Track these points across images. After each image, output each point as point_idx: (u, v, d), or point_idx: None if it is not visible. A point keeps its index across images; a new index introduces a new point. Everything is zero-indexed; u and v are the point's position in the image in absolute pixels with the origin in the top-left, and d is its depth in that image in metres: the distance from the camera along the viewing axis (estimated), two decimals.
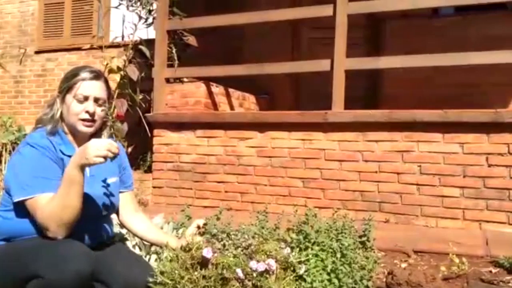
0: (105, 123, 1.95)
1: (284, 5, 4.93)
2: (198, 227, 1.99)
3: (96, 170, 1.88)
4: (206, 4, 5.41)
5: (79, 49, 6.08)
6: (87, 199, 1.78)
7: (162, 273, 1.75)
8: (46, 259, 1.58)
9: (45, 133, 1.83)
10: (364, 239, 2.65)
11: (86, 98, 1.83)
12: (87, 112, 1.83)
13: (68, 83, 1.85)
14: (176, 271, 1.73)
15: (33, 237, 1.73)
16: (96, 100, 1.85)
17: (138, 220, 2.05)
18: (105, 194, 1.90)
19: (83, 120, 1.84)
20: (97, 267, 1.68)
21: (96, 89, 1.85)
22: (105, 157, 1.65)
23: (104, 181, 1.91)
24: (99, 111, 1.86)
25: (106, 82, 1.92)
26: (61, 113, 1.86)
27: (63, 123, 1.87)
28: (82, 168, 1.67)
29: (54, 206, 1.65)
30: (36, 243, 1.67)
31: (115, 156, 1.69)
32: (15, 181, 1.74)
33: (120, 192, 2.02)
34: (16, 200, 1.73)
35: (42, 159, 1.75)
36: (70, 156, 1.82)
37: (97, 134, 1.93)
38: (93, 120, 1.85)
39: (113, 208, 1.97)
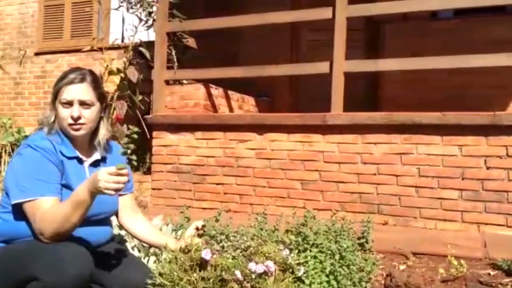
0: (100, 123, 1.93)
1: (284, 8, 4.94)
2: (197, 229, 1.99)
3: None
4: (206, 6, 5.42)
5: (79, 50, 6.07)
6: None
7: (161, 274, 1.76)
8: (45, 262, 1.59)
9: (45, 134, 1.83)
10: (362, 241, 2.67)
11: (70, 103, 1.82)
12: (71, 117, 1.82)
13: (54, 89, 1.85)
14: (175, 273, 1.73)
15: (30, 239, 1.73)
16: (81, 103, 1.82)
17: (137, 221, 2.05)
18: (104, 197, 1.90)
19: (70, 124, 1.83)
20: (96, 269, 1.68)
21: (80, 92, 1.82)
22: (116, 189, 1.62)
23: None
24: (86, 114, 1.84)
25: (94, 82, 1.88)
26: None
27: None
28: (93, 194, 1.65)
29: (55, 218, 1.65)
30: (35, 246, 1.67)
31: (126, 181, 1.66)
32: (14, 183, 1.74)
33: (120, 194, 2.03)
34: (14, 202, 1.72)
35: (43, 161, 1.75)
36: (69, 158, 1.83)
37: (95, 135, 1.92)
38: (80, 124, 1.83)
39: (112, 210, 1.97)
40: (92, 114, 1.86)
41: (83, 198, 1.65)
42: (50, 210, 1.67)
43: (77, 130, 1.84)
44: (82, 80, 1.84)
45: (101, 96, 1.91)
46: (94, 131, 1.92)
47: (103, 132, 1.93)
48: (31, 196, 1.69)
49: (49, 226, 1.65)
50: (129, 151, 4.65)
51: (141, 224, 2.05)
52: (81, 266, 1.59)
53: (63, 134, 1.86)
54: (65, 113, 1.82)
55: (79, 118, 1.82)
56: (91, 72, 1.91)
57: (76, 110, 1.82)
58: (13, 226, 1.76)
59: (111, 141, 2.05)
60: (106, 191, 1.61)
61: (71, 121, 1.82)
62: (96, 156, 1.92)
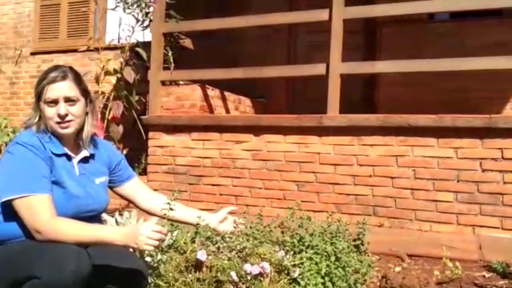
0: (85, 119, 1.90)
1: (282, 9, 4.95)
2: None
3: (85, 170, 1.88)
4: (205, 7, 5.42)
5: (75, 50, 6.05)
6: (77, 198, 1.79)
7: (156, 275, 1.76)
8: (45, 260, 1.56)
9: (34, 132, 1.81)
10: (358, 242, 2.66)
11: (55, 101, 1.81)
12: (58, 115, 1.81)
13: (37, 89, 1.84)
14: (170, 274, 1.73)
15: (24, 240, 1.70)
16: (67, 100, 1.81)
17: (160, 201, 2.10)
18: (94, 193, 1.89)
19: (58, 123, 1.82)
20: (93, 265, 1.67)
21: (64, 89, 1.81)
22: (156, 246, 1.64)
23: (93, 181, 1.91)
24: (73, 110, 1.83)
25: (76, 78, 1.87)
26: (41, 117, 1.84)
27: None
28: (125, 244, 1.67)
29: (64, 232, 1.64)
30: (33, 245, 1.65)
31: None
32: (4, 180, 1.71)
33: (124, 183, 2.08)
34: (4, 199, 1.68)
35: (32, 157, 1.73)
36: (58, 155, 1.81)
37: (82, 131, 1.89)
38: (68, 121, 1.82)
39: (102, 207, 1.95)
40: (79, 109, 1.85)
41: (110, 241, 1.66)
42: (61, 223, 1.66)
43: (66, 128, 1.83)
44: (64, 77, 1.83)
45: (85, 91, 1.89)
46: (82, 128, 1.90)
47: (87, 129, 1.91)
48: (23, 192, 1.66)
49: (52, 234, 1.63)
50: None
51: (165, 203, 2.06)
52: (80, 264, 1.57)
53: (50, 132, 1.83)
54: (51, 112, 1.81)
55: (66, 115, 1.81)
56: (72, 69, 1.90)
57: (62, 107, 1.81)
58: (3, 227, 1.73)
59: (98, 138, 2.04)
60: (145, 246, 1.62)
61: (59, 119, 1.81)
62: (85, 153, 1.91)
